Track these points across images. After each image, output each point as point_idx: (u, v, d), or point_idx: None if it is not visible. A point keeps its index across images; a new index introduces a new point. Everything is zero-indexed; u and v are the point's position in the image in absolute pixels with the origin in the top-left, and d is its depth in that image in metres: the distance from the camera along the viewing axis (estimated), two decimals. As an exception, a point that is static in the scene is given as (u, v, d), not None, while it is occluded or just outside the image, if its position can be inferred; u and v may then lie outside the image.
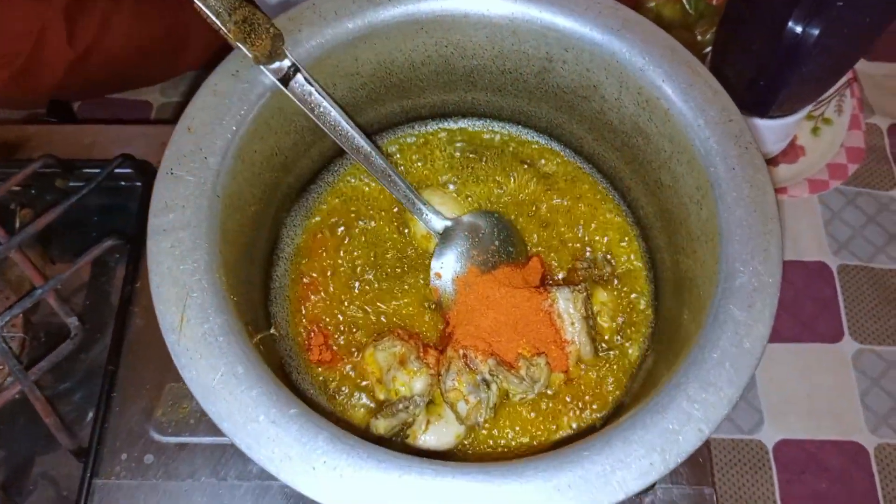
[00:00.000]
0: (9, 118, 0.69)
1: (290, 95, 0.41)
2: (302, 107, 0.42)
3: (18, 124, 0.63)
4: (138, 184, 0.59)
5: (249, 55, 0.40)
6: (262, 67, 0.41)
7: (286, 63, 0.41)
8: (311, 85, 0.42)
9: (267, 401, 0.33)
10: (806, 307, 0.68)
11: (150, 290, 0.36)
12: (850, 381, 0.65)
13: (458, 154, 0.52)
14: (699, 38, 0.78)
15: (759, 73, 0.59)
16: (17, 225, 0.59)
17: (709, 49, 0.75)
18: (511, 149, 0.52)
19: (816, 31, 0.52)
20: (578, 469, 0.32)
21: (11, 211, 0.59)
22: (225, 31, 0.39)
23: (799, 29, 0.54)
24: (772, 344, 0.66)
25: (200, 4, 0.38)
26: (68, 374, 0.52)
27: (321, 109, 0.42)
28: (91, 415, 0.49)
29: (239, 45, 0.40)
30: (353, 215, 0.50)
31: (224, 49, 0.48)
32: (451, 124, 0.53)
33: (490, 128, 0.53)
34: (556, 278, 0.48)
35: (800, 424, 0.63)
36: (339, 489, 0.31)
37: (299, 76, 0.42)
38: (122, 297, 0.53)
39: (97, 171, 0.56)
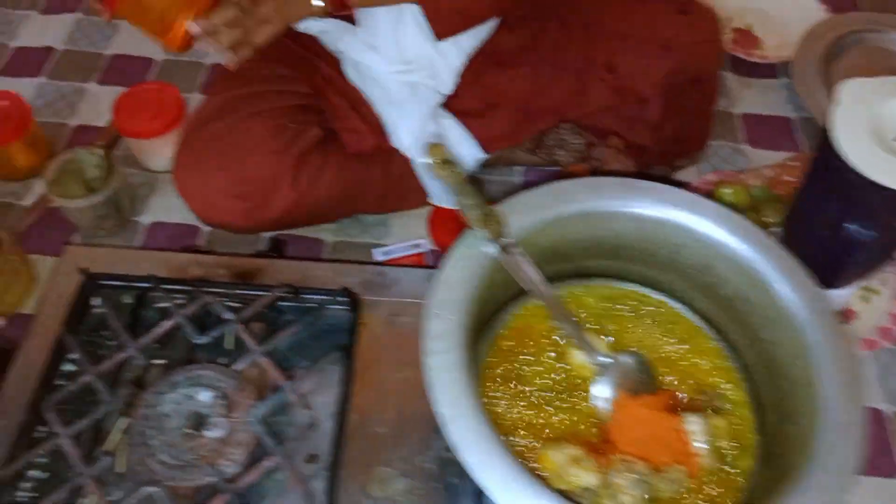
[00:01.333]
0: (239, 252, 0.89)
1: (508, 261, 0.60)
2: (513, 269, 0.60)
3: (250, 258, 0.83)
4: (347, 309, 0.76)
5: (486, 235, 0.59)
6: (491, 242, 0.60)
7: (508, 240, 0.60)
8: (520, 255, 0.61)
9: (519, 475, 0.49)
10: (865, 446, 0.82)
11: (430, 395, 0.52)
12: (904, 511, 0.78)
13: (605, 305, 0.69)
14: (763, 219, 0.97)
15: (822, 258, 0.78)
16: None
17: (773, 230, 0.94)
18: (644, 305, 0.70)
19: (871, 234, 0.71)
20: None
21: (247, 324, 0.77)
22: (474, 221, 0.58)
23: (854, 229, 0.72)
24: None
25: (460, 205, 0.57)
26: (298, 455, 0.68)
27: (523, 269, 0.61)
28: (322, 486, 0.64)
29: (480, 229, 0.59)
30: (529, 341, 0.67)
31: (382, 199, 0.68)
32: (600, 282, 0.71)
33: (629, 287, 0.71)
34: (683, 406, 0.64)
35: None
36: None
37: (516, 251, 0.60)
38: (343, 396, 0.69)
39: (322, 297, 0.75)
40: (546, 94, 0.89)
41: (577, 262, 0.69)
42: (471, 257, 0.60)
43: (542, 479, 0.59)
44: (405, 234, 1.00)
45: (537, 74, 0.85)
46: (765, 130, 1.14)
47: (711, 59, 0.89)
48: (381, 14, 0.83)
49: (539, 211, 0.63)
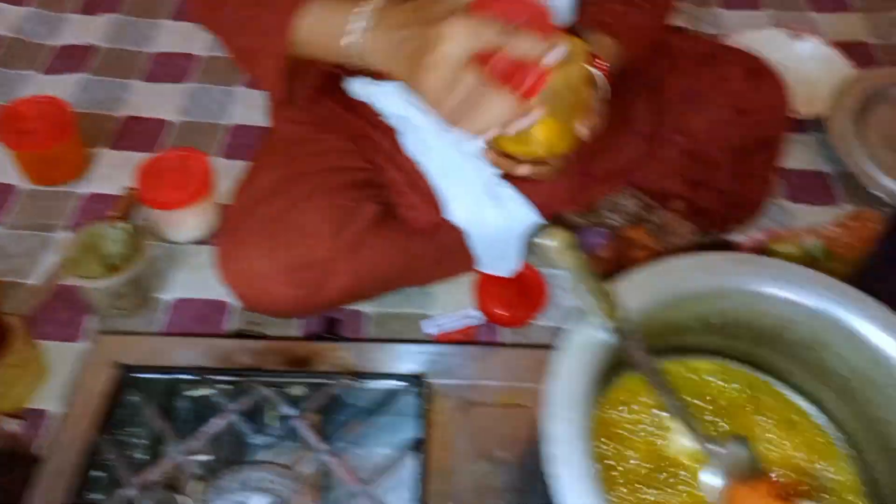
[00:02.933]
0: (289, 335, 0.82)
1: (626, 346, 0.55)
2: (631, 352, 0.55)
3: (303, 341, 0.76)
4: (415, 395, 0.69)
5: (605, 321, 0.54)
6: (605, 326, 0.54)
7: (626, 324, 0.55)
8: (640, 343, 0.55)
9: None
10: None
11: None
12: None
13: (710, 381, 0.64)
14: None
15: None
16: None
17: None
18: (749, 386, 0.65)
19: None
20: None
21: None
22: (599, 312, 0.53)
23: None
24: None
25: (582, 290, 0.52)
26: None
27: (643, 357, 0.55)
28: None
29: (596, 315, 0.53)
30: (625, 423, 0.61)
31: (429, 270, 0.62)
32: (706, 359, 0.65)
33: (730, 365, 0.66)
34: (793, 492, 0.59)
35: None
36: None
37: (630, 334, 0.55)
38: (418, 497, 0.62)
39: (390, 382, 0.68)
40: (613, 158, 0.85)
41: (682, 335, 0.64)
42: (587, 347, 0.54)
43: None
44: (449, 302, 0.94)
45: (604, 136, 0.82)
46: (803, 186, 1.12)
47: (780, 123, 0.87)
48: None
49: (653, 291, 0.58)
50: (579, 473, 0.48)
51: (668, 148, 0.84)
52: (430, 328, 0.89)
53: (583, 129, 0.65)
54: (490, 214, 0.85)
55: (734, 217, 0.94)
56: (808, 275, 0.59)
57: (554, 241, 0.49)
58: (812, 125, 1.19)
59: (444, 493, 0.64)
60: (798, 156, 1.15)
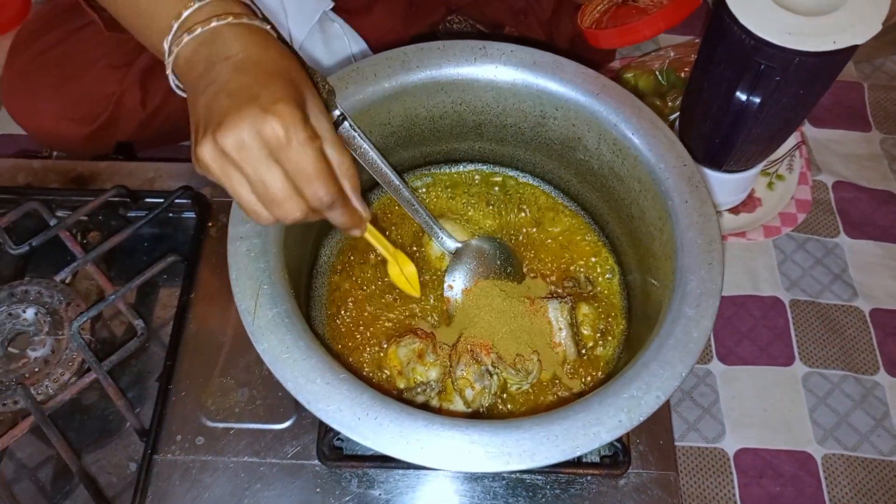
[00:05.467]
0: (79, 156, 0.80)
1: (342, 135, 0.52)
2: (347, 147, 0.52)
3: (91, 160, 0.73)
4: (192, 213, 0.68)
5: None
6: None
7: (336, 112, 0.52)
8: (355, 131, 0.53)
9: (323, 367, 0.42)
10: (763, 335, 0.78)
11: (230, 283, 0.45)
12: (800, 398, 0.75)
13: (466, 192, 0.62)
14: (670, 104, 0.91)
15: (715, 134, 0.72)
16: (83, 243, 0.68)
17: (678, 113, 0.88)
18: (510, 188, 0.63)
19: (758, 100, 0.64)
20: (565, 423, 0.41)
21: (82, 232, 0.68)
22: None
23: (744, 98, 0.66)
24: (733, 366, 0.76)
25: None
26: (129, 369, 0.61)
27: (362, 150, 0.53)
28: (153, 403, 0.58)
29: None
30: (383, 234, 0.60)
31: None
32: (462, 167, 0.64)
33: (493, 171, 0.64)
34: (547, 293, 0.59)
35: (757, 436, 0.72)
36: (378, 434, 0.40)
37: (346, 123, 0.52)
38: (180, 305, 0.62)
39: (160, 200, 0.67)
40: None
41: (435, 143, 0.61)
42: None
43: (385, 377, 0.54)
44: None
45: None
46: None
47: None
48: None
49: (379, 80, 0.55)
50: (258, 255, 0.47)
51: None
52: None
53: None
54: (318, 51, 0.81)
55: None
56: (552, 61, 0.56)
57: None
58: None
59: (211, 304, 0.64)
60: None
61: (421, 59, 0.56)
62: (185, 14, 0.40)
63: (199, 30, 0.40)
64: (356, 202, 0.44)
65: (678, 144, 0.52)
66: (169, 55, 0.41)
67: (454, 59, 0.56)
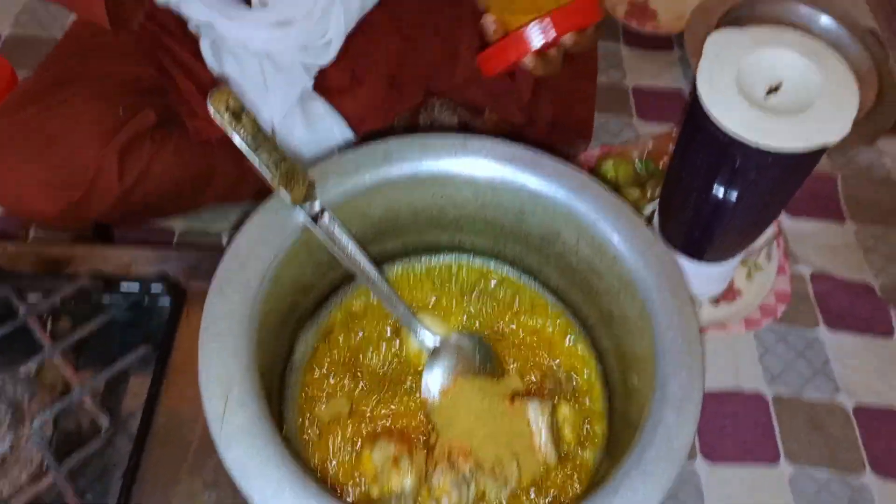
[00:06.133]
0: (57, 237, 0.79)
1: (318, 231, 0.52)
2: (327, 240, 0.52)
3: (66, 243, 0.72)
4: (167, 301, 0.67)
5: (289, 198, 0.50)
6: (298, 207, 0.51)
7: (317, 205, 0.52)
8: (335, 223, 0.53)
9: (293, 479, 0.40)
10: (747, 432, 0.76)
11: (199, 384, 0.44)
12: (788, 499, 0.72)
13: (446, 283, 0.62)
14: (648, 194, 0.92)
15: (694, 226, 0.72)
16: (49, 331, 0.66)
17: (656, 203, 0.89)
18: (490, 281, 0.63)
19: (735, 193, 0.65)
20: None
21: (53, 316, 0.66)
22: (271, 179, 0.49)
23: (721, 193, 0.67)
24: (719, 465, 0.74)
25: (255, 162, 0.49)
26: (94, 463, 0.58)
27: (341, 243, 0.53)
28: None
29: (281, 189, 0.50)
30: (356, 333, 0.59)
31: (237, 185, 0.57)
32: (443, 258, 0.63)
33: (473, 262, 0.63)
34: (527, 393, 0.57)
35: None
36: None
37: (326, 215, 0.52)
38: (150, 396, 0.60)
39: (136, 289, 0.65)
40: (414, 62, 0.81)
41: (416, 235, 0.61)
42: (272, 226, 0.51)
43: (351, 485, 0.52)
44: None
45: (404, 39, 0.77)
46: (655, 104, 1.09)
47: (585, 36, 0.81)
48: None
49: (360, 172, 0.55)
50: (227, 350, 0.45)
51: (468, 52, 0.80)
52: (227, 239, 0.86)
53: None
54: (299, 132, 0.82)
55: (556, 140, 0.89)
56: (530, 157, 0.56)
57: (215, 108, 0.45)
58: (680, 42, 1.15)
59: (183, 397, 0.62)
60: (656, 73, 1.12)
61: (402, 152, 0.56)
62: None
63: None
64: None
65: (658, 244, 0.53)
66: None
67: (435, 153, 0.56)
